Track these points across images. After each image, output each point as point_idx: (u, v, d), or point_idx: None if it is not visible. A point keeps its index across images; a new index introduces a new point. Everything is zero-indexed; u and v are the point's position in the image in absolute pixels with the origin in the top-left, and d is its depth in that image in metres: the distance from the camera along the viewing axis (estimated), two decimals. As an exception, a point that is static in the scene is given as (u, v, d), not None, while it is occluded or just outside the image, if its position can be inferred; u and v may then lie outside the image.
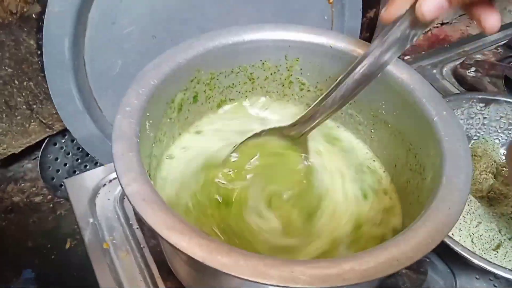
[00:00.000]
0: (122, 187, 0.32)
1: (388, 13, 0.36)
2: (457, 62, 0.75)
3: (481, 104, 0.58)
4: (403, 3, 0.34)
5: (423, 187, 0.39)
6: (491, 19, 0.32)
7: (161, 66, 0.41)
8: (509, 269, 0.44)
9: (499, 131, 0.59)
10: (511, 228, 0.51)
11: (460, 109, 0.58)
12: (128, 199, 0.31)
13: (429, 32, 1.03)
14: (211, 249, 0.28)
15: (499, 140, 0.59)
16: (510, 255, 0.50)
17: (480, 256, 0.45)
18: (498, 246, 0.50)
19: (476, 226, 0.51)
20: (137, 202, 0.31)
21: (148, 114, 0.38)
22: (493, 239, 0.50)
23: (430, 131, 0.38)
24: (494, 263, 0.44)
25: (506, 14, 0.99)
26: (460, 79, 0.72)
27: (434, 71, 0.74)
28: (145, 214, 0.30)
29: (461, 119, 0.59)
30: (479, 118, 0.58)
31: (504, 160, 0.58)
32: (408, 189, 0.42)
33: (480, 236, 0.50)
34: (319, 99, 0.41)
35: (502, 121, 0.58)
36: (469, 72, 0.72)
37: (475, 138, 0.60)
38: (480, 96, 0.58)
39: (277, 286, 0.27)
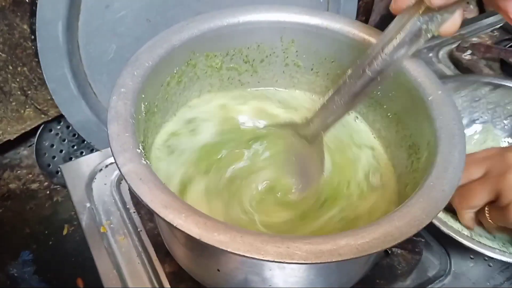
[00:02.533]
0: (118, 167, 0.32)
1: (397, 2, 0.34)
2: (453, 46, 0.75)
3: (487, 88, 0.57)
4: None
5: (418, 167, 0.39)
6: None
7: (155, 48, 0.41)
8: (500, 250, 0.45)
9: (503, 117, 0.59)
10: None
11: (464, 91, 0.57)
12: (125, 179, 0.31)
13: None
14: (207, 226, 0.29)
15: (503, 127, 0.59)
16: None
17: (473, 239, 0.46)
18: None
19: None
20: (134, 181, 0.31)
21: (143, 95, 0.38)
22: None
23: (425, 110, 0.38)
24: (487, 245, 0.45)
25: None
26: (456, 62, 0.72)
27: (430, 54, 0.74)
28: (142, 193, 0.30)
29: (465, 101, 0.59)
30: (484, 102, 0.58)
31: None
32: (404, 169, 0.42)
33: None
34: (330, 96, 0.38)
35: (508, 107, 0.58)
36: (465, 55, 0.72)
37: (477, 122, 0.60)
38: (486, 80, 0.58)
39: (273, 261, 0.27)
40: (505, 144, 0.59)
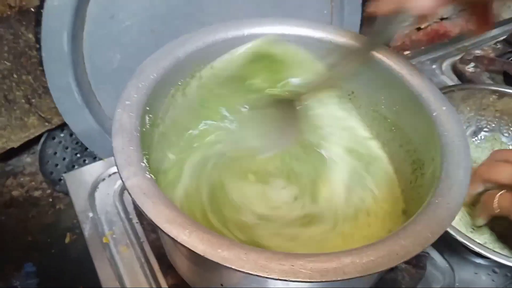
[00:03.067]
0: (122, 180, 0.32)
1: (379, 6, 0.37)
2: (457, 58, 0.75)
3: (494, 96, 0.57)
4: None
5: (423, 183, 0.39)
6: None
7: (160, 60, 0.41)
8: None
9: (510, 124, 0.59)
10: None
11: (472, 99, 0.58)
12: (129, 193, 0.31)
13: (429, 28, 1.03)
14: (212, 243, 0.29)
15: (509, 134, 0.59)
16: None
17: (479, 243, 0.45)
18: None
19: None
20: (138, 195, 0.31)
21: (148, 108, 0.38)
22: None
23: (429, 126, 0.38)
24: (493, 250, 0.44)
25: (506, 9, 0.99)
26: (460, 75, 0.72)
27: (434, 66, 0.74)
28: (146, 208, 0.30)
29: (473, 109, 0.59)
30: (491, 110, 0.58)
31: None
32: (408, 184, 0.42)
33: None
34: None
35: None
36: (468, 68, 0.72)
37: (485, 130, 0.60)
38: (493, 88, 0.58)
39: (278, 279, 0.27)
40: None
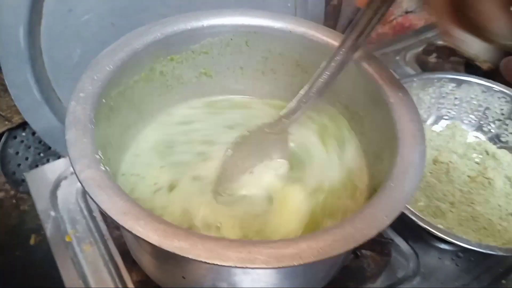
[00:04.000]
0: (75, 173, 0.31)
1: None
2: (420, 49, 0.76)
3: (453, 84, 0.59)
4: None
5: (382, 169, 0.39)
6: None
7: (117, 52, 0.41)
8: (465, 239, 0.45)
9: (469, 112, 0.60)
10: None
11: (431, 88, 0.59)
12: (82, 185, 0.30)
13: (394, 21, 1.05)
14: (167, 233, 0.28)
15: (470, 122, 0.61)
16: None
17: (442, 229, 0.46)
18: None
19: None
20: (91, 188, 0.30)
21: (104, 100, 0.38)
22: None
23: (386, 113, 0.38)
24: (456, 235, 0.45)
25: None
26: (422, 65, 0.73)
27: (397, 57, 0.75)
28: (100, 200, 0.30)
29: (433, 97, 0.60)
30: (450, 98, 0.60)
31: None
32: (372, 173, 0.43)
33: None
34: (300, 94, 0.41)
35: (473, 102, 0.59)
36: (431, 58, 0.73)
37: (445, 117, 0.61)
38: (451, 76, 0.59)
39: (235, 267, 0.27)
40: (473, 139, 0.61)
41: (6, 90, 0.58)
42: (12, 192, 0.69)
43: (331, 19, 0.81)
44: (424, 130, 0.36)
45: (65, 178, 0.54)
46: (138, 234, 0.28)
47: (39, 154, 0.68)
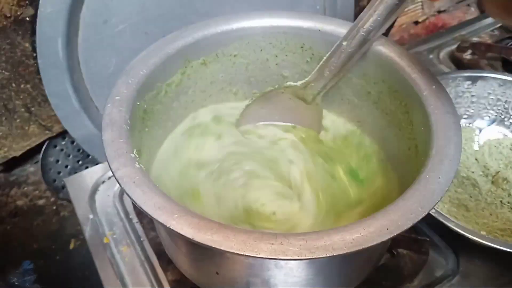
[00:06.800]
0: (112, 171, 0.32)
1: None
2: (454, 47, 0.74)
3: (468, 82, 0.57)
4: None
5: (417, 162, 0.38)
6: None
7: (150, 57, 0.42)
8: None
9: (488, 107, 0.58)
10: None
11: (447, 88, 0.57)
12: (118, 183, 0.31)
13: (427, 21, 1.03)
14: (200, 226, 0.29)
15: (489, 117, 0.59)
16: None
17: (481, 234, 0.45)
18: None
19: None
20: (127, 184, 0.31)
21: (138, 103, 0.39)
22: None
23: (420, 106, 0.38)
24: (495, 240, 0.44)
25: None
26: (457, 63, 0.72)
27: (431, 56, 0.74)
28: (135, 196, 0.30)
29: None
30: (467, 96, 0.58)
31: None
32: (404, 167, 0.42)
33: None
34: (324, 58, 0.43)
35: (491, 97, 0.58)
36: (465, 55, 0.71)
37: (464, 116, 0.59)
38: (466, 74, 0.58)
39: (267, 258, 0.27)
40: (496, 134, 0.59)
41: (46, 101, 0.61)
42: (53, 199, 0.72)
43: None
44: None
45: (103, 182, 0.56)
46: (172, 228, 0.29)
47: (78, 161, 0.70)
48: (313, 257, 0.27)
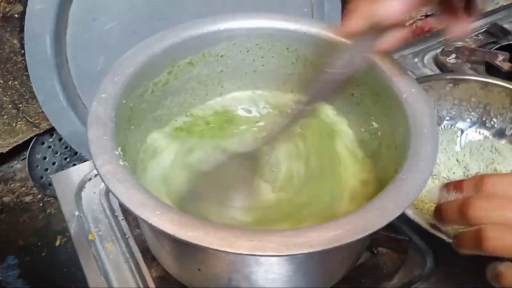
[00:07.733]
0: (96, 168, 0.32)
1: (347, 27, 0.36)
2: (438, 50, 0.76)
3: (450, 85, 0.58)
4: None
5: (394, 162, 0.39)
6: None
7: (137, 55, 0.42)
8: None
9: (470, 110, 0.60)
10: None
11: (430, 91, 0.59)
12: (102, 179, 0.32)
13: (414, 25, 1.04)
14: (181, 223, 0.29)
15: (471, 119, 0.60)
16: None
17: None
18: None
19: None
20: (110, 181, 0.32)
21: (124, 101, 0.39)
22: None
23: (399, 108, 0.39)
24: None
25: (489, 2, 1.00)
26: (441, 66, 0.73)
27: (416, 59, 0.75)
28: (118, 192, 0.31)
29: (432, 100, 0.60)
30: (449, 98, 0.59)
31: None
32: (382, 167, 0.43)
33: None
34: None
35: (473, 99, 0.59)
36: (449, 59, 0.73)
37: (447, 118, 0.60)
38: (448, 77, 0.59)
39: (246, 254, 0.28)
40: (477, 136, 0.60)
41: (34, 98, 0.61)
42: (39, 196, 0.72)
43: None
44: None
45: (89, 180, 0.56)
46: (154, 224, 0.29)
47: (65, 159, 0.71)
48: (291, 253, 0.28)
